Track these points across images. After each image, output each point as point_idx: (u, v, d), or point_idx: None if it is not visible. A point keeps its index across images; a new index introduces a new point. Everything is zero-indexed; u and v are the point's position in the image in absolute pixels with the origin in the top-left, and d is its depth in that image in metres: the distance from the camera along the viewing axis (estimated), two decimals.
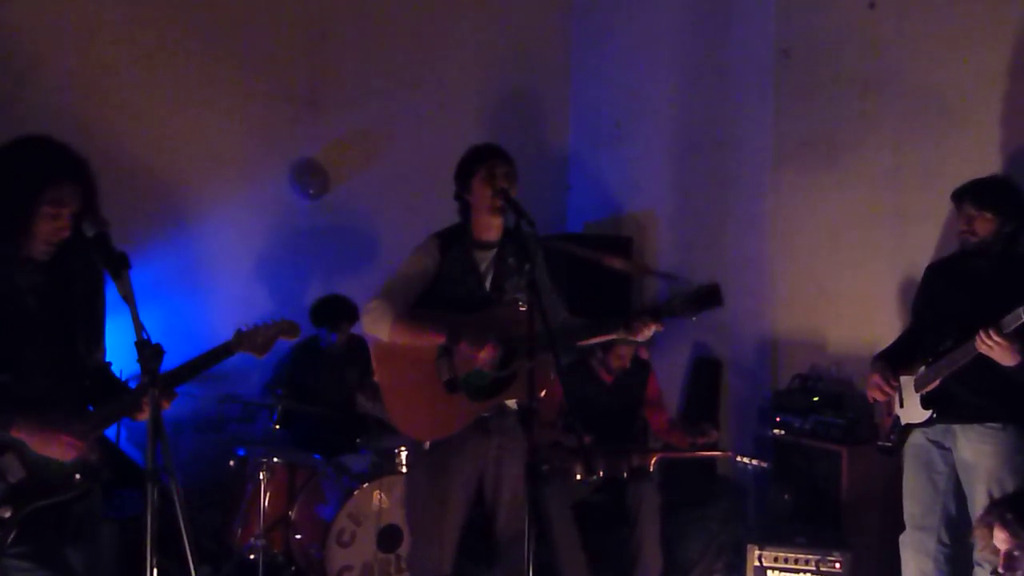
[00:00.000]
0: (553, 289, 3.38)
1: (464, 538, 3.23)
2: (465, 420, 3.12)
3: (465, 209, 3.24)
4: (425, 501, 3.17)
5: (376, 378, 3.22)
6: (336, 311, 5.04)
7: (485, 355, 3.02)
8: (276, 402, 4.54)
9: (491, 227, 3.21)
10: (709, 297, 3.04)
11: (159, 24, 5.16)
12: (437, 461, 3.14)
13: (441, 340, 3.06)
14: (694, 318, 3.07)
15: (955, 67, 4.14)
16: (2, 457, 2.35)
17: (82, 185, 2.39)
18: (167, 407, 2.43)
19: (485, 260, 3.22)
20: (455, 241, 3.21)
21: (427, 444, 3.17)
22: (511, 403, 3.25)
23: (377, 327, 3.10)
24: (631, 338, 3.13)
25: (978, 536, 2.83)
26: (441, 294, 3.17)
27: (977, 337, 3.03)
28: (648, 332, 3.08)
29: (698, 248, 5.53)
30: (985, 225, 3.30)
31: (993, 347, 3.00)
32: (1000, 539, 2.65)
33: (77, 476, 2.44)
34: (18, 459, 2.36)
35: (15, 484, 2.36)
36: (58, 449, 2.37)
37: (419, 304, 3.16)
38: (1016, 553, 2.59)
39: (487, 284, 3.21)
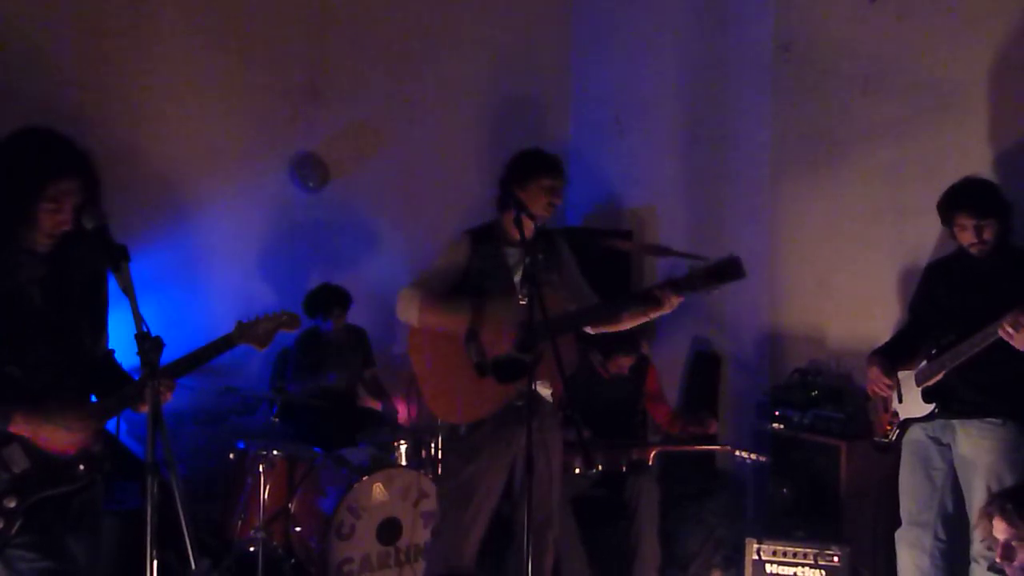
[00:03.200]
0: (583, 282, 3.48)
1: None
2: (496, 404, 3.19)
3: (508, 201, 3.27)
4: (455, 487, 3.25)
5: (411, 363, 3.32)
6: (325, 298, 5.08)
7: (507, 340, 3.12)
8: (276, 395, 4.55)
9: (527, 227, 3.25)
10: (730, 269, 3.05)
11: (159, 17, 5.15)
12: (471, 448, 3.23)
13: (463, 325, 3.16)
14: (716, 291, 3.09)
15: (955, 62, 4.14)
16: (7, 447, 2.35)
17: (84, 179, 2.38)
18: (168, 399, 2.44)
19: (514, 255, 3.30)
20: (486, 238, 3.32)
21: (463, 429, 3.25)
22: (545, 392, 3.33)
23: (407, 312, 3.23)
24: (654, 312, 3.15)
25: (979, 527, 2.84)
26: (473, 288, 3.26)
27: (1004, 322, 2.97)
28: (673, 303, 3.11)
29: (697, 242, 5.53)
30: (990, 230, 3.31)
31: (1015, 330, 2.95)
32: (999, 529, 2.67)
33: (81, 467, 2.45)
34: (22, 449, 2.37)
35: (20, 474, 2.36)
36: (59, 444, 2.37)
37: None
38: (1014, 543, 2.60)
39: (516, 279, 3.27)
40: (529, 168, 3.29)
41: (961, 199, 3.36)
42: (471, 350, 3.17)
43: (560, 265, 3.39)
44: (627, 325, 3.33)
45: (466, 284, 3.27)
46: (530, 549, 2.67)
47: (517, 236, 3.25)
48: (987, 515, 2.74)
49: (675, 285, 3.10)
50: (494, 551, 3.56)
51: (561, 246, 3.43)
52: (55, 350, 2.43)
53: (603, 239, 3.89)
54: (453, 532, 3.22)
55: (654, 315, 3.21)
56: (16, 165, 2.35)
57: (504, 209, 3.33)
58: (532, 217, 3.12)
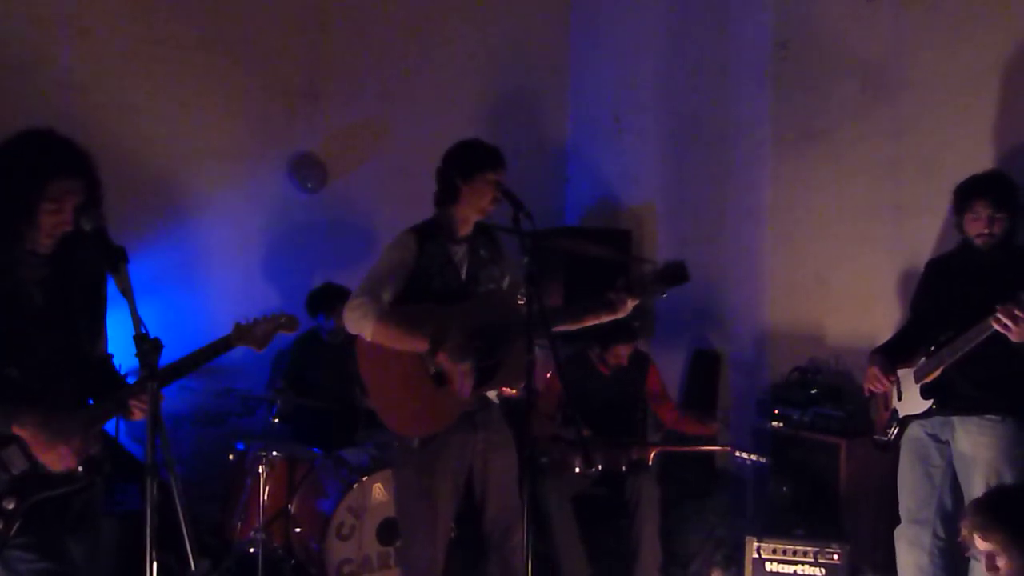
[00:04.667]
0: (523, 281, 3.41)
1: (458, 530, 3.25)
2: (455, 413, 3.12)
3: (451, 194, 3.21)
4: (416, 500, 3.16)
5: (361, 374, 3.18)
6: (330, 296, 5.06)
7: (461, 382, 2.99)
8: (275, 396, 4.55)
9: (469, 222, 3.25)
10: (675, 274, 3.12)
11: (156, 18, 5.15)
12: (425, 459, 3.13)
13: (422, 349, 3.02)
14: (664, 295, 3.22)
15: (953, 58, 4.14)
16: (6, 449, 2.36)
17: (85, 179, 2.39)
18: (140, 418, 2.43)
19: (459, 253, 3.24)
20: (430, 235, 3.20)
21: (416, 442, 3.12)
22: (492, 396, 3.27)
23: (360, 326, 3.05)
24: (613, 315, 3.18)
25: (966, 538, 2.83)
26: (420, 288, 3.15)
27: (998, 313, 2.97)
28: (628, 306, 3.16)
29: (696, 240, 5.53)
30: (1002, 224, 3.32)
31: (1013, 323, 2.95)
32: (980, 545, 2.67)
33: (80, 468, 2.45)
34: (21, 451, 2.37)
35: (19, 476, 2.37)
36: (55, 458, 2.36)
37: (399, 299, 3.13)
38: (995, 553, 2.61)
39: (463, 275, 3.23)
40: (474, 162, 3.17)
41: (983, 187, 3.36)
42: (429, 360, 3.06)
43: (502, 262, 3.33)
44: (585, 325, 3.28)
45: (413, 283, 3.14)
46: (530, 549, 2.64)
47: (462, 232, 3.23)
48: (967, 528, 2.73)
49: (628, 289, 3.14)
50: (465, 558, 3.54)
51: (501, 243, 3.33)
52: (54, 351, 2.43)
53: (579, 244, 3.87)
54: (421, 550, 3.15)
55: (607, 318, 3.21)
56: (17, 165, 2.36)
57: (445, 203, 3.24)
58: (530, 216, 3.01)
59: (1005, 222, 3.31)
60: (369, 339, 3.05)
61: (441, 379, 3.08)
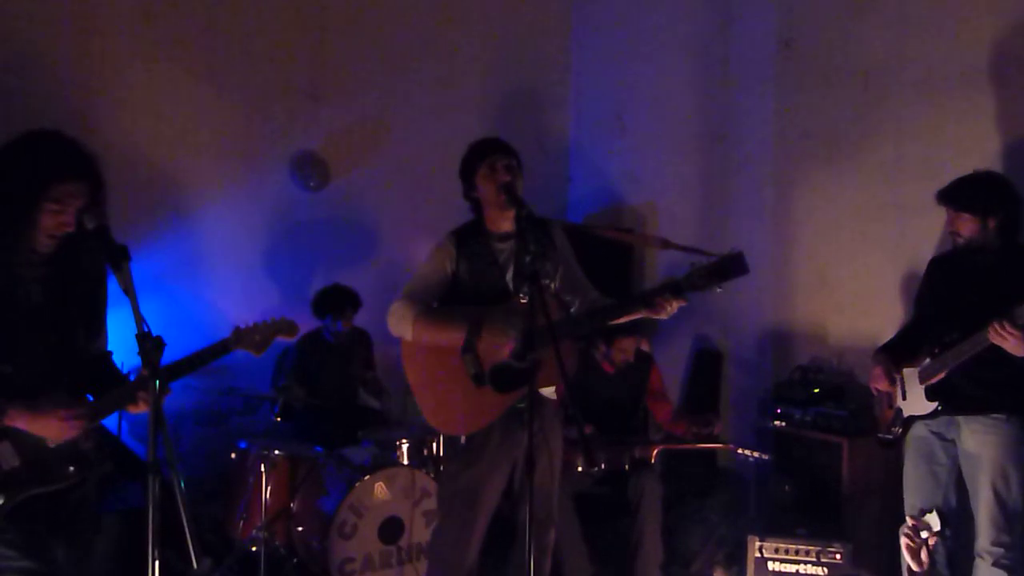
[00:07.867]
0: (580, 272, 3.35)
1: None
2: (497, 412, 3.14)
3: (476, 206, 3.25)
4: (457, 489, 3.20)
5: (407, 377, 3.23)
6: (340, 298, 5.06)
7: (508, 350, 3.04)
8: (278, 395, 4.55)
9: (504, 219, 3.20)
10: (732, 265, 2.89)
11: (159, 17, 5.15)
12: (472, 452, 3.18)
13: (460, 340, 3.05)
14: (719, 289, 2.93)
15: (956, 59, 4.14)
16: None
17: (89, 182, 2.39)
18: (144, 409, 2.42)
19: (504, 251, 3.21)
20: (471, 236, 3.21)
21: (463, 439, 3.19)
22: (548, 392, 3.25)
23: (400, 328, 3.14)
24: (654, 316, 3.05)
25: None
26: (464, 290, 3.18)
27: (990, 328, 3.03)
28: (672, 308, 2.98)
29: (698, 240, 5.46)
30: (966, 225, 3.33)
31: (1007, 338, 3.00)
32: None
33: (71, 468, 2.44)
34: (13, 447, 2.37)
35: (9, 471, 2.36)
36: (56, 428, 2.37)
37: (444, 302, 3.18)
38: None
39: (508, 275, 3.20)
40: (467, 167, 3.20)
41: (950, 190, 3.39)
42: (467, 361, 3.08)
43: (555, 255, 3.28)
44: (620, 322, 3.22)
45: (458, 288, 3.18)
46: (531, 548, 2.65)
47: (503, 229, 3.19)
48: None
49: (676, 287, 2.95)
50: (496, 551, 3.56)
51: (556, 235, 3.30)
52: (49, 348, 2.43)
53: (603, 229, 3.78)
54: (455, 535, 3.19)
55: (652, 316, 3.09)
56: (22, 165, 2.35)
57: (472, 205, 3.25)
58: (530, 213, 2.95)
59: (975, 223, 3.31)
60: (410, 339, 3.13)
61: (480, 379, 3.09)
